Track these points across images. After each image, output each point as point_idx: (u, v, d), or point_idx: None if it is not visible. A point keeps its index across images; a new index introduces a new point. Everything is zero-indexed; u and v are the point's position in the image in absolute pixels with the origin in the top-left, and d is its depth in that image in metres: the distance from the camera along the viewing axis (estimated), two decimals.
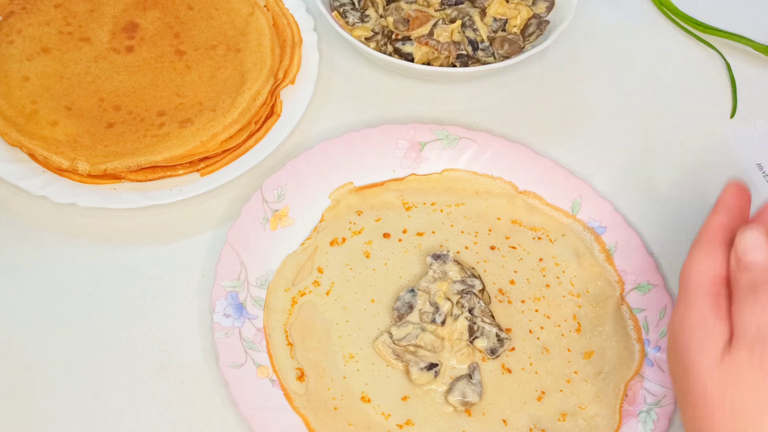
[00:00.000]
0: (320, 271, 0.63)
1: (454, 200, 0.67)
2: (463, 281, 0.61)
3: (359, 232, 0.65)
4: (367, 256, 0.64)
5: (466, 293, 0.60)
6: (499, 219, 0.67)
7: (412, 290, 0.61)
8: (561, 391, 0.58)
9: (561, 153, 0.72)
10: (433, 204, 0.67)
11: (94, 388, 0.58)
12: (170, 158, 0.65)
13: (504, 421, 0.57)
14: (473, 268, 0.63)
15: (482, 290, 0.61)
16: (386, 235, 0.65)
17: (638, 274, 0.63)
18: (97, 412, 0.57)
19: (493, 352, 0.59)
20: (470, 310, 0.59)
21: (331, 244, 0.64)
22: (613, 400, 0.58)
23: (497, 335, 0.59)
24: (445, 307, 0.59)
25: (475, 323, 0.59)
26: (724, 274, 0.49)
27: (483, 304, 0.60)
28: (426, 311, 0.59)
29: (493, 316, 0.60)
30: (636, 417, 0.57)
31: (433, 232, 0.65)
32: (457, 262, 0.62)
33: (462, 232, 0.65)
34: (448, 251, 0.62)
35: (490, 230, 0.66)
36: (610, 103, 0.78)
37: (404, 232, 0.65)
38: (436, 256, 0.62)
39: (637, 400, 0.58)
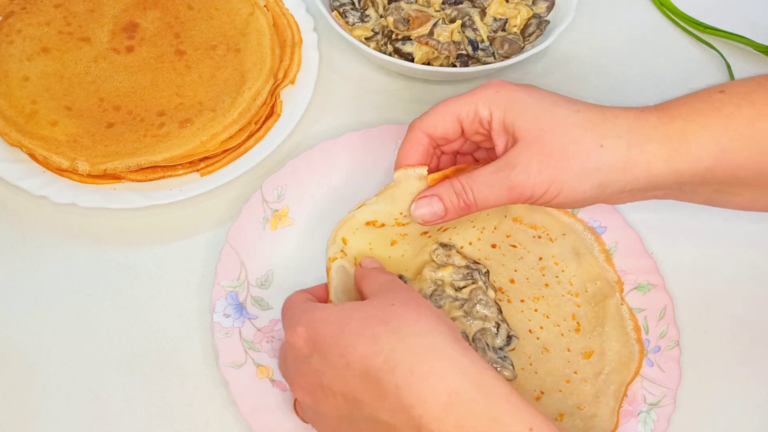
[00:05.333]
0: (344, 241, 0.59)
1: None
2: (467, 266, 0.61)
3: (404, 224, 0.60)
4: (393, 244, 0.60)
5: (470, 276, 0.60)
6: (505, 216, 0.66)
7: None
8: (560, 391, 0.58)
9: None
10: None
11: (94, 388, 0.58)
12: (170, 158, 0.66)
13: None
14: (477, 261, 0.63)
15: (487, 273, 0.61)
16: (424, 233, 0.61)
17: (638, 274, 0.63)
18: (97, 412, 0.57)
19: (500, 350, 0.59)
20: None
21: (367, 224, 0.59)
22: (613, 402, 0.57)
23: (508, 334, 0.59)
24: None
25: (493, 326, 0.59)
26: None
27: (488, 287, 0.60)
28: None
29: (500, 310, 0.60)
30: (636, 417, 0.57)
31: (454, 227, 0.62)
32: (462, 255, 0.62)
33: (474, 226, 0.63)
34: (453, 245, 0.62)
35: (495, 228, 0.65)
36: (609, 104, 0.77)
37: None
38: (443, 245, 0.62)
39: (637, 401, 0.58)
